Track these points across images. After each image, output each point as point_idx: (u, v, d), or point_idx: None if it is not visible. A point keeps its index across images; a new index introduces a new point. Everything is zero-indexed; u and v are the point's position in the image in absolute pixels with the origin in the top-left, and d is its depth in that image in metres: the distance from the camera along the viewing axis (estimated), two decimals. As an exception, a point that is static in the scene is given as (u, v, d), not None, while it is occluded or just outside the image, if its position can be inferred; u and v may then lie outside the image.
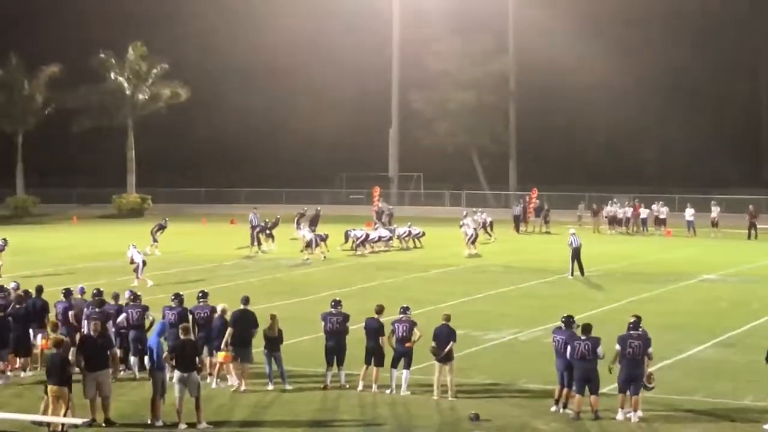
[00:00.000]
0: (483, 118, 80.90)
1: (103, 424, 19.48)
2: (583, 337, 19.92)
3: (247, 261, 46.04)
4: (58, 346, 19.33)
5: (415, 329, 22.01)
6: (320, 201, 78.43)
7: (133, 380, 22.97)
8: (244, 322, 22.65)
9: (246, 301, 23.16)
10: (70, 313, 24.04)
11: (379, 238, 48.89)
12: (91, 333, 20.48)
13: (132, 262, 37.90)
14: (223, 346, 22.37)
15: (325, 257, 45.10)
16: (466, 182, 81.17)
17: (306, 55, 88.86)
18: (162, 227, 49.09)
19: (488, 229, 54.16)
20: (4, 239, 41.26)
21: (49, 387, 18.84)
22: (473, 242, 46.37)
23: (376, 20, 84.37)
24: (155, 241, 48.31)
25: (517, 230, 60.00)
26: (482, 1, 79.83)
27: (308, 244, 45.38)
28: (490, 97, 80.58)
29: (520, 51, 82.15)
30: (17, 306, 23.90)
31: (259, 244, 48.57)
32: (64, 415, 18.66)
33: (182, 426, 19.38)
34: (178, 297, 23.68)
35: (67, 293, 24.72)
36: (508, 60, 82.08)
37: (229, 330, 22.52)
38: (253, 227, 49.41)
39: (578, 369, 19.88)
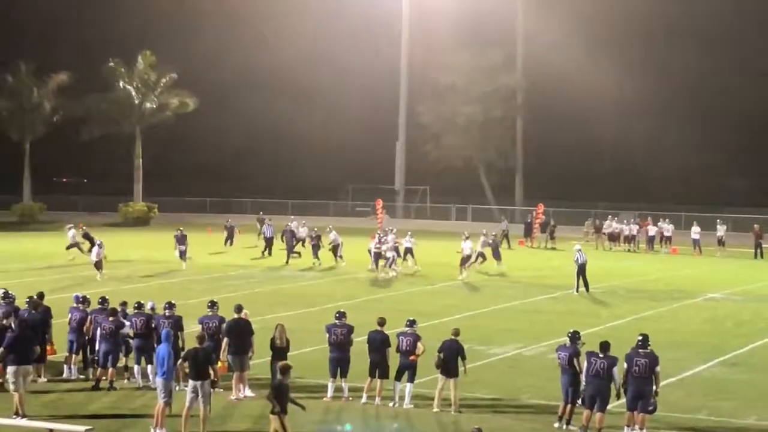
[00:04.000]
0: (490, 132, 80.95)
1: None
2: (600, 355, 19.87)
3: (253, 271, 46.04)
4: None
5: (419, 343, 22.00)
6: (326, 213, 78.66)
7: (137, 389, 22.95)
8: (239, 330, 22.68)
9: (239, 309, 23.15)
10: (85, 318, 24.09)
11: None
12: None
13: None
14: (220, 355, 22.40)
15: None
16: (472, 197, 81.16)
17: (314, 66, 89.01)
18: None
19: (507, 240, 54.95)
20: None
21: None
22: (467, 265, 44.50)
23: (385, 33, 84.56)
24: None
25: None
26: (492, 16, 79.93)
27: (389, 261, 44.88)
28: (498, 111, 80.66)
29: (529, 66, 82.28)
30: (33, 312, 23.87)
31: (290, 254, 48.69)
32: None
33: (184, 435, 19.38)
34: (171, 307, 23.69)
35: (84, 300, 24.74)
36: (516, 75, 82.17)
37: (225, 339, 22.56)
38: (267, 238, 51.15)
39: (591, 385, 19.86)
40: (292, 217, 59.06)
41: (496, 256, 46.80)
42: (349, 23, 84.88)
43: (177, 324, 23.00)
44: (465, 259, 44.06)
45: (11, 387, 20.79)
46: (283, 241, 51.21)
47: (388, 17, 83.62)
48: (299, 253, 49.87)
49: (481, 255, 45.81)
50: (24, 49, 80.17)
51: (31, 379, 21.92)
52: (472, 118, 79.99)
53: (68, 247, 48.44)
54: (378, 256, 45.41)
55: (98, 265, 41.69)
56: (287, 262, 48.21)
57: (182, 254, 46.31)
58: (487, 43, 78.94)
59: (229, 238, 55.52)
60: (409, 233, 48.44)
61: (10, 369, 20.89)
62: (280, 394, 17.82)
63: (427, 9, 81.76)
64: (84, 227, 50.58)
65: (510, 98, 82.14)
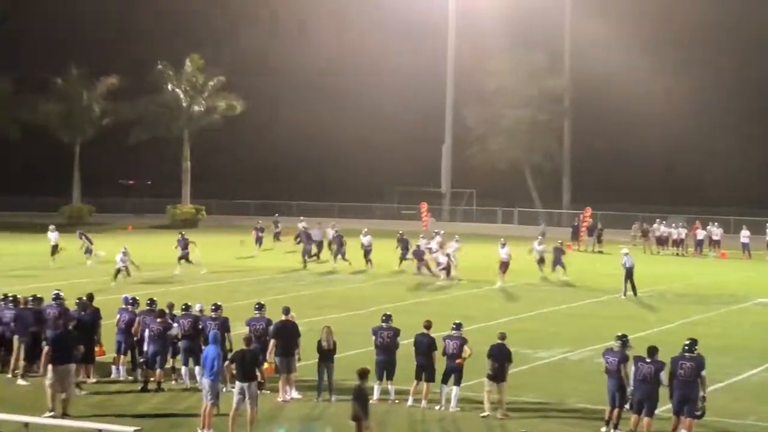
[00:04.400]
0: (537, 135, 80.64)
1: None
2: (648, 360, 19.77)
3: (300, 273, 46.16)
4: None
5: (466, 346, 21.98)
6: (372, 215, 78.70)
7: (185, 390, 23.10)
8: (286, 332, 22.78)
9: (286, 311, 23.27)
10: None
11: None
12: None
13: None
14: (267, 357, 22.51)
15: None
16: (518, 200, 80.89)
17: (361, 69, 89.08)
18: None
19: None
20: None
21: None
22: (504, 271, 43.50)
23: (432, 36, 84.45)
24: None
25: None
26: (539, 18, 79.64)
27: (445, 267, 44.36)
28: (545, 114, 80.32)
29: (576, 68, 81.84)
30: (82, 313, 24.10)
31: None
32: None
33: (230, 437, 19.48)
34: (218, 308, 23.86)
35: (133, 302, 24.97)
36: (563, 77, 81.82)
37: (272, 341, 22.67)
38: (317, 242, 50.85)
39: (639, 390, 19.77)
40: (302, 218, 58.72)
41: (557, 263, 45.21)
42: (396, 26, 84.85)
43: (224, 325, 23.15)
44: (504, 266, 43.16)
45: (47, 383, 21.00)
46: (297, 242, 51.37)
47: (434, 20, 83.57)
48: (317, 255, 50.11)
49: (542, 260, 45.43)
50: (74, 52, 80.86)
51: (76, 379, 22.12)
52: (518, 121, 79.71)
53: (53, 252, 48.32)
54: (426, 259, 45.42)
55: (120, 271, 41.31)
56: (304, 266, 48.06)
57: (182, 258, 45.47)
58: (534, 46, 78.68)
59: (258, 240, 55.42)
60: (456, 237, 48.20)
61: (50, 368, 21.13)
62: (363, 399, 17.68)
63: (474, 12, 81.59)
64: (80, 231, 50.78)
65: (557, 100, 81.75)
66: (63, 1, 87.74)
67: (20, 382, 23.57)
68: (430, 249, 46.17)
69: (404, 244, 47.85)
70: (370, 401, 22.02)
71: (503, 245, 43.47)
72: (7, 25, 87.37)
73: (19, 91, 78.22)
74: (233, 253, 53.30)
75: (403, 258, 47.26)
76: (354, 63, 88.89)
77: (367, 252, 47.77)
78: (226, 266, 47.61)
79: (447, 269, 44.28)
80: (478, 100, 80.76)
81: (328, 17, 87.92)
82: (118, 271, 41.26)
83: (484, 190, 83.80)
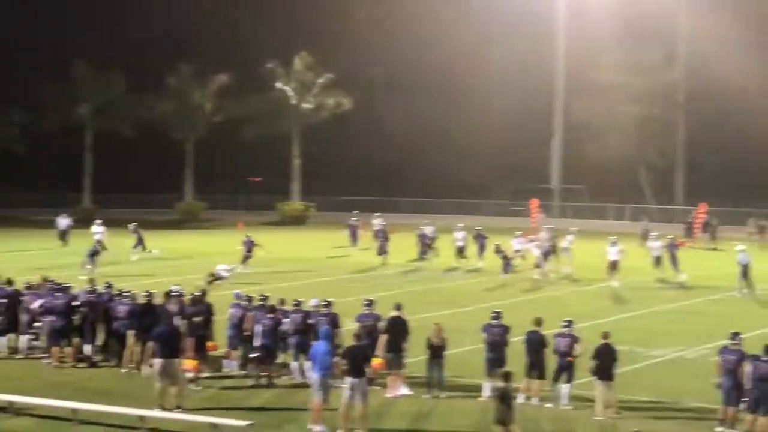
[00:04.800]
0: (650, 130, 79.28)
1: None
2: (765, 359, 19.33)
3: (409, 270, 46.16)
4: None
5: (577, 344, 21.75)
6: (481, 212, 78.36)
7: (296, 386, 23.25)
8: (397, 328, 22.79)
9: (398, 307, 23.27)
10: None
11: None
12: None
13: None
14: (377, 352, 22.55)
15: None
16: (630, 196, 79.77)
17: (469, 65, 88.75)
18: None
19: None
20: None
21: None
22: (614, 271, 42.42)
23: (541, 31, 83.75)
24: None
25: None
26: (652, 11, 78.32)
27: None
28: (658, 109, 78.93)
29: (691, 62, 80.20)
30: (194, 308, 24.42)
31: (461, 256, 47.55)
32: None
33: (340, 432, 19.56)
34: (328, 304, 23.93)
35: (246, 298, 25.23)
36: (677, 72, 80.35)
37: (383, 336, 22.69)
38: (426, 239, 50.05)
39: (756, 389, 19.32)
40: (377, 214, 57.09)
41: (674, 261, 43.67)
42: (504, 22, 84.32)
43: (333, 321, 23.25)
44: (613, 265, 42.01)
45: (157, 379, 21.32)
46: (376, 239, 51.03)
47: (543, 14, 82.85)
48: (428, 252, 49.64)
49: (659, 259, 44.33)
50: (185, 51, 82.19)
51: (184, 374, 22.47)
52: (631, 116, 78.45)
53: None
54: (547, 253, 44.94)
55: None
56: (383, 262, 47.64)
57: (246, 259, 44.72)
58: (647, 40, 77.42)
59: (353, 236, 55.27)
60: (572, 230, 47.18)
61: (157, 361, 21.45)
62: (508, 402, 17.50)
63: (584, 6, 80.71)
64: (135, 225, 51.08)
65: (671, 96, 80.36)
66: (174, 2, 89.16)
67: (145, 372, 23.78)
68: (517, 251, 45.59)
69: (481, 242, 47.27)
70: (480, 399, 22.03)
71: (614, 244, 42.54)
72: (121, 25, 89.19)
73: (133, 90, 79.81)
74: (341, 250, 53.48)
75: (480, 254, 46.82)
76: (462, 59, 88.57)
77: (460, 249, 47.53)
78: (333, 263, 47.85)
79: (540, 263, 43.73)
80: (588, 96, 79.72)
81: (435, 14, 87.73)
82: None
83: (594, 187, 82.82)
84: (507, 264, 43.67)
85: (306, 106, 78.38)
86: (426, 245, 48.63)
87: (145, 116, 79.55)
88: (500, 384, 17.54)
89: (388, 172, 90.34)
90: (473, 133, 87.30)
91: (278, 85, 78.16)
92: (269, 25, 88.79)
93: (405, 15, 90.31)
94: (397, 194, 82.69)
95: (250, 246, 45.11)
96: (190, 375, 22.95)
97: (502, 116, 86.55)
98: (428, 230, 50.37)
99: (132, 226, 50.53)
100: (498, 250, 44.69)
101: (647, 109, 78.05)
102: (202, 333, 24.04)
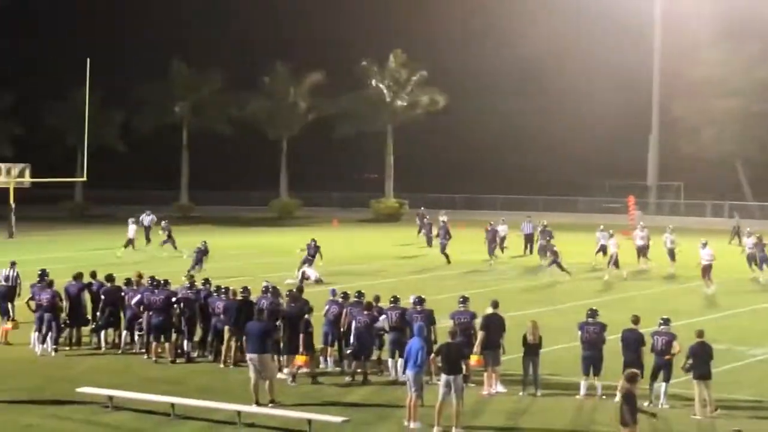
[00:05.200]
0: (749, 126, 77.77)
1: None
2: None
3: (503, 267, 45.97)
4: None
5: (675, 342, 21.48)
6: (575, 210, 77.76)
7: (392, 384, 23.29)
8: (493, 326, 22.74)
9: (495, 305, 23.19)
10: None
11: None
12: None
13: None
14: (475, 349, 22.50)
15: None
16: (729, 193, 78.47)
17: (563, 63, 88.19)
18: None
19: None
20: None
21: None
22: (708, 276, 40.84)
23: (637, 27, 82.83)
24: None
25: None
26: (748, 5, 76.90)
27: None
28: (758, 104, 77.38)
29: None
30: (291, 305, 24.58)
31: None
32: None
33: (436, 429, 19.51)
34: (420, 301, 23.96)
35: (345, 296, 25.35)
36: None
37: (481, 334, 22.64)
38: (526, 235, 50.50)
39: None
40: (443, 211, 57.53)
41: (763, 260, 42.30)
42: (599, 18, 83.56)
43: (428, 318, 23.23)
44: (706, 269, 39.55)
45: (251, 374, 21.53)
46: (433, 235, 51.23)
47: (639, 10, 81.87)
48: (528, 249, 49.64)
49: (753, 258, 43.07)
50: (280, 50, 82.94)
51: (293, 370, 22.62)
52: (729, 112, 77.08)
53: (126, 244, 50.04)
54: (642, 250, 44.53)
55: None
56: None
57: (305, 262, 41.91)
58: (744, 34, 75.98)
59: (423, 228, 55.59)
60: (669, 230, 45.87)
61: (248, 356, 21.67)
62: (632, 404, 17.35)
63: (681, 1, 79.60)
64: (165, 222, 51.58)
65: (768, 90, 78.71)
66: (272, 2, 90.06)
67: (282, 375, 23.65)
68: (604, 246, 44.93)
69: (547, 236, 46.71)
70: (577, 397, 21.87)
71: (704, 245, 40.47)
72: (221, 25, 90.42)
73: (229, 89, 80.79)
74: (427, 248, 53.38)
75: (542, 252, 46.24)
76: (556, 57, 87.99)
77: (501, 240, 48.30)
78: (429, 260, 47.87)
79: (615, 261, 42.82)
80: (685, 92, 78.57)
81: (530, 11, 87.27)
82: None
83: (692, 183, 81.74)
84: (554, 260, 42.74)
85: (400, 103, 78.45)
86: (494, 242, 48.18)
87: (240, 114, 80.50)
88: (626, 384, 17.27)
89: (484, 170, 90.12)
90: (568, 131, 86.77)
91: (372, 82, 78.35)
92: (364, 23, 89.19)
93: (496, 12, 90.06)
94: (490, 191, 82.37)
95: (314, 251, 42.40)
96: (302, 371, 23.29)
97: (598, 113, 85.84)
98: (501, 228, 50.05)
99: (164, 223, 51.40)
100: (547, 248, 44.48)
101: (745, 104, 76.59)
102: (312, 330, 24.01)
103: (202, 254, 41.97)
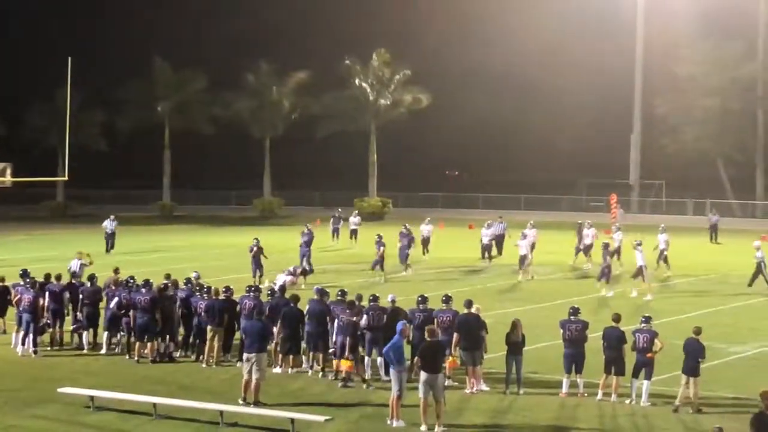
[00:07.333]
0: (729, 125, 78.10)
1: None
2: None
3: (484, 266, 45.95)
4: None
5: (656, 340, 21.56)
6: (558, 208, 77.93)
7: (373, 381, 23.28)
8: (468, 325, 22.73)
9: (469, 304, 23.13)
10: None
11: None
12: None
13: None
14: (452, 350, 22.52)
15: None
16: (710, 191, 78.80)
17: (545, 61, 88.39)
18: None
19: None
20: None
21: None
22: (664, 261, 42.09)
23: (619, 25, 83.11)
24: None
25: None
26: (731, 4, 77.28)
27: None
28: (738, 103, 77.73)
29: (770, 55, 79.06)
30: (291, 305, 24.50)
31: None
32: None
33: (423, 428, 19.53)
34: (424, 300, 23.94)
35: (323, 293, 25.25)
36: (756, 65, 79.05)
37: (455, 335, 22.65)
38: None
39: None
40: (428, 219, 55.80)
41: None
42: (582, 17, 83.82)
43: (407, 317, 23.22)
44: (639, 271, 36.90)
45: (243, 372, 21.54)
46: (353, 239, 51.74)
47: (621, 9, 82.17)
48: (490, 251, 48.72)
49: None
50: (264, 48, 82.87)
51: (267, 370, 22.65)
52: (710, 110, 77.41)
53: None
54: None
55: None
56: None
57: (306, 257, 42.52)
58: (726, 33, 76.31)
59: (335, 232, 55.99)
60: (662, 230, 43.85)
61: (246, 356, 21.69)
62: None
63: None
64: None
65: (750, 89, 79.11)
66: (255, 2, 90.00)
67: (276, 370, 24.01)
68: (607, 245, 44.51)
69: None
70: (560, 395, 21.92)
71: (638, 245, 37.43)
72: (204, 24, 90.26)
73: (212, 88, 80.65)
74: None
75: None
76: (537, 55, 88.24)
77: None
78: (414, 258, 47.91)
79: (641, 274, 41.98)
80: (668, 90, 78.87)
81: (512, 10, 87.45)
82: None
83: (673, 181, 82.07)
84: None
85: (383, 102, 78.44)
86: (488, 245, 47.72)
87: (223, 113, 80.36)
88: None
89: (463, 168, 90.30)
90: (551, 129, 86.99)
91: (356, 81, 78.30)
92: (347, 23, 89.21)
93: (479, 11, 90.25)
94: (473, 190, 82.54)
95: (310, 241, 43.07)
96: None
97: (580, 112, 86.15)
98: (498, 227, 49.44)
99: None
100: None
101: (726, 102, 76.88)
102: (360, 333, 23.72)
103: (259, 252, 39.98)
